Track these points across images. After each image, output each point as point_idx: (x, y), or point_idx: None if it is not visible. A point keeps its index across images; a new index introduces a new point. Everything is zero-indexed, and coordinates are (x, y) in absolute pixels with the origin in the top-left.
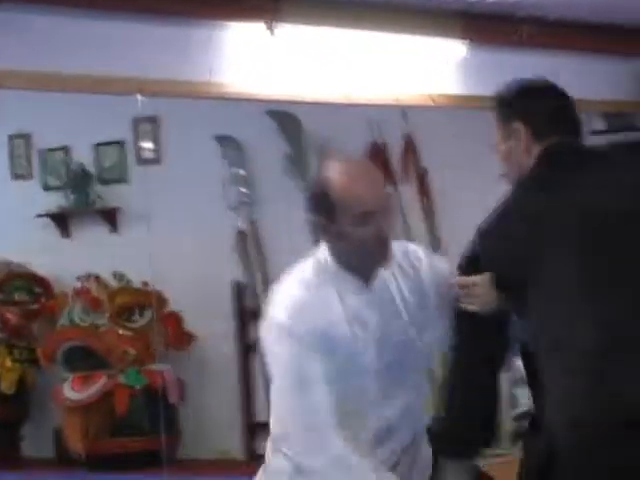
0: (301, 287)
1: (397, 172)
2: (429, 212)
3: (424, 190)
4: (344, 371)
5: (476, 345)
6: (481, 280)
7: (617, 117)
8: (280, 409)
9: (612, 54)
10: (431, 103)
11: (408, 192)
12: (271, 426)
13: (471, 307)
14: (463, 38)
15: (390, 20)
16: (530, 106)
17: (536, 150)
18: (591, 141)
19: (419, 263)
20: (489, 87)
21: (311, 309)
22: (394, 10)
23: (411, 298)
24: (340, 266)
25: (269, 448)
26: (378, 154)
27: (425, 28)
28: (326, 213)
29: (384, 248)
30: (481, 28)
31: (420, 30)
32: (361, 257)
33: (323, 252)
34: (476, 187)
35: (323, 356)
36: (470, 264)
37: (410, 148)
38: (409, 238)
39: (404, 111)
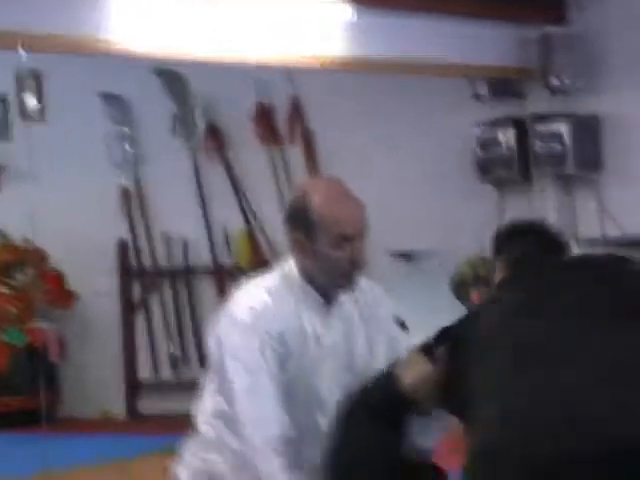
0: (264, 292)
1: (283, 135)
2: (315, 173)
3: (310, 151)
4: (294, 384)
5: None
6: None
7: (500, 82)
8: (234, 398)
9: (498, 20)
10: (318, 66)
11: (294, 153)
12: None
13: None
14: (350, 1)
15: None
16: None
17: None
18: (477, 107)
19: (377, 306)
20: (376, 50)
21: (271, 313)
22: None
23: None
24: (306, 281)
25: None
26: (264, 115)
27: None
28: (305, 230)
29: (354, 272)
30: None
31: None
32: (330, 277)
33: (290, 265)
34: (361, 148)
35: (278, 359)
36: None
37: (297, 110)
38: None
39: (290, 73)
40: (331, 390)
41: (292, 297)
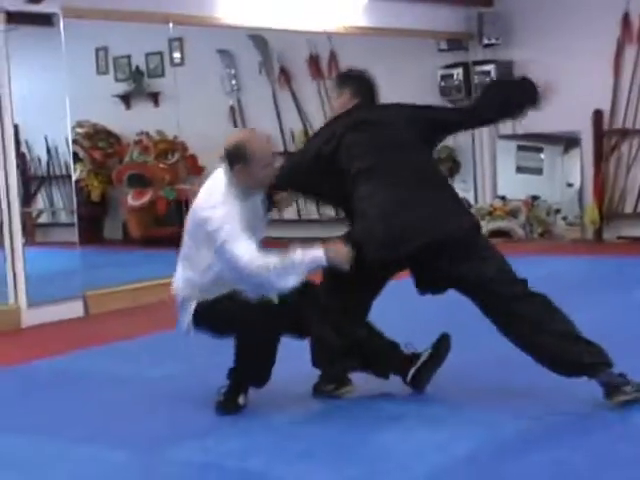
0: (221, 191)
1: (325, 73)
2: None
3: None
4: None
5: None
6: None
7: (454, 41)
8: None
9: (454, 4)
10: (344, 31)
11: (330, 84)
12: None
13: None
14: None
15: None
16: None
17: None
18: (440, 56)
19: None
20: (380, 22)
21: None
22: None
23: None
24: (239, 186)
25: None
26: (313, 61)
27: None
28: (243, 161)
29: (270, 180)
30: None
31: None
32: (255, 185)
33: (226, 176)
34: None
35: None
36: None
37: (333, 58)
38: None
39: (329, 35)
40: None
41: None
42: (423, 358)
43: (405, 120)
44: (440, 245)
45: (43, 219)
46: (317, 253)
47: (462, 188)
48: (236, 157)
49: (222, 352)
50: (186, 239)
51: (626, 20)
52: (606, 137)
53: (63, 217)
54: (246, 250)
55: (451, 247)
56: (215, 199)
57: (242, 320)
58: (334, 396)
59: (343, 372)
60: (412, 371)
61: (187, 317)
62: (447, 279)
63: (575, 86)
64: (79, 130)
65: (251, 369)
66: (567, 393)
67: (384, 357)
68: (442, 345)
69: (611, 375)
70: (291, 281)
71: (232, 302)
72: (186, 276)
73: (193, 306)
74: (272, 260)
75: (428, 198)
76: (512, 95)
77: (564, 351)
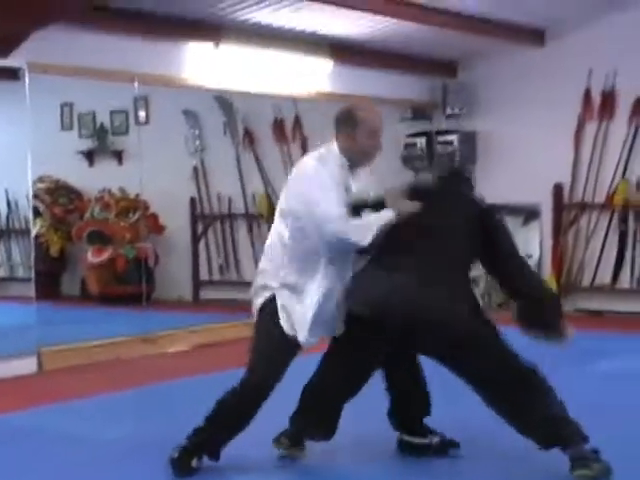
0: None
1: (289, 137)
2: None
3: (305, 149)
4: None
5: None
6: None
7: (418, 110)
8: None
9: (418, 74)
10: (310, 96)
11: (295, 150)
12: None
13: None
14: (331, 58)
15: (289, 45)
16: None
17: None
18: (403, 125)
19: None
20: (345, 88)
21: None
22: (291, 38)
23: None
24: (344, 156)
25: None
26: (278, 126)
27: (309, 50)
28: (351, 127)
29: (375, 154)
30: (342, 53)
31: (306, 52)
32: (359, 155)
33: (334, 146)
34: None
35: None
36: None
37: (298, 123)
38: None
39: (294, 100)
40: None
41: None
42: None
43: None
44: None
45: (0, 273)
46: (387, 213)
47: None
48: (344, 123)
49: (178, 413)
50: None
51: (587, 96)
52: (566, 210)
53: (21, 272)
54: (335, 205)
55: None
56: (312, 157)
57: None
58: (286, 455)
59: (303, 434)
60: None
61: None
62: None
63: (536, 159)
64: (40, 185)
65: (221, 432)
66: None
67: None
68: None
69: (583, 450)
70: (368, 237)
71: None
72: (262, 267)
73: (263, 298)
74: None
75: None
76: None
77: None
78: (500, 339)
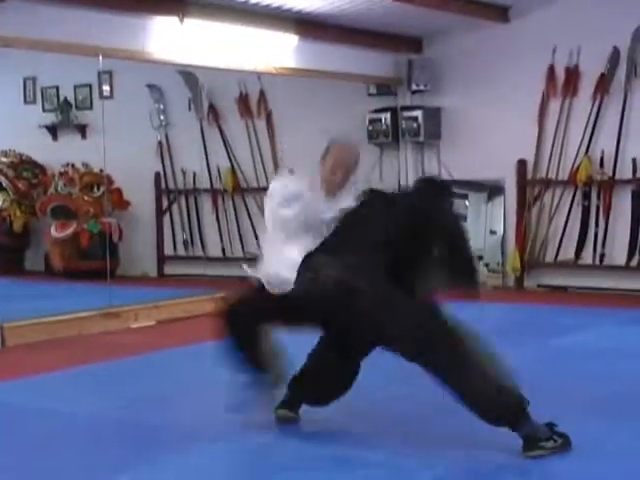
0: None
1: (254, 112)
2: (272, 137)
3: (269, 122)
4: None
5: None
6: None
7: (383, 86)
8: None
9: (383, 49)
10: (274, 71)
11: (260, 125)
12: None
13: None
14: (295, 33)
15: (254, 20)
16: None
17: None
18: (369, 100)
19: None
20: (310, 63)
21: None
22: (256, 13)
23: None
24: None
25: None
26: (243, 99)
27: (273, 25)
28: (323, 157)
29: (334, 188)
30: (307, 28)
31: (270, 27)
32: (325, 184)
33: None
34: (298, 121)
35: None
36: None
37: (262, 98)
38: (259, 150)
39: (259, 75)
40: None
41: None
42: None
43: None
44: None
45: None
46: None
47: None
48: (324, 151)
49: (141, 387)
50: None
51: (551, 73)
52: (529, 186)
53: None
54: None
55: None
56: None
57: None
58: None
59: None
60: None
61: None
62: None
63: (500, 135)
64: (3, 159)
65: None
66: (489, 440)
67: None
68: None
69: (532, 428)
70: None
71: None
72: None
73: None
74: None
75: None
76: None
77: (487, 401)
78: (423, 307)
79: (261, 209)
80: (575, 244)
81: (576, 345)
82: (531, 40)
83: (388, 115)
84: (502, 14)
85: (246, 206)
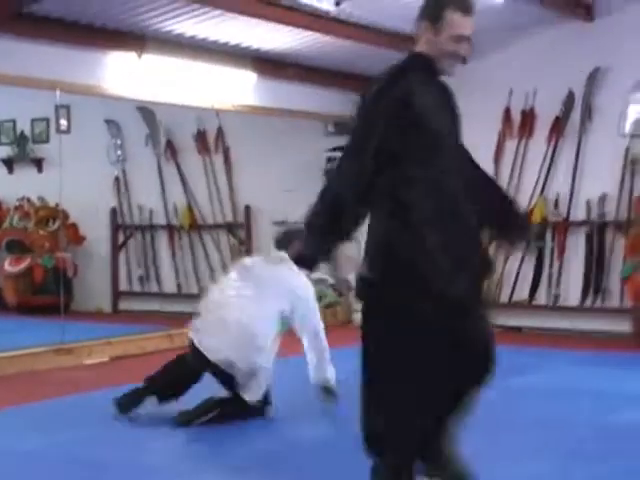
0: None
1: (212, 149)
2: (230, 174)
3: (227, 160)
4: None
5: None
6: None
7: (341, 125)
8: None
9: (340, 88)
10: (232, 109)
11: (218, 161)
12: None
13: None
14: (254, 70)
15: (212, 57)
16: None
17: None
18: (327, 139)
19: None
20: (268, 101)
21: None
22: (214, 50)
23: None
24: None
25: None
26: (201, 137)
27: (232, 63)
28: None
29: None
30: (265, 66)
31: (229, 64)
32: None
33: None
34: (257, 158)
35: None
36: None
37: (220, 134)
38: (217, 188)
39: (217, 112)
40: None
41: None
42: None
43: None
44: None
45: None
46: None
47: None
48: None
49: (93, 424)
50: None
51: (507, 115)
52: None
53: None
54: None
55: None
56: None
57: None
58: None
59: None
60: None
61: None
62: None
63: None
64: None
65: None
66: None
67: None
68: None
69: None
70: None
71: None
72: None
73: None
74: None
75: None
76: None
77: None
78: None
79: (217, 245)
80: (529, 285)
81: (533, 385)
82: (488, 82)
83: None
84: None
85: (202, 243)
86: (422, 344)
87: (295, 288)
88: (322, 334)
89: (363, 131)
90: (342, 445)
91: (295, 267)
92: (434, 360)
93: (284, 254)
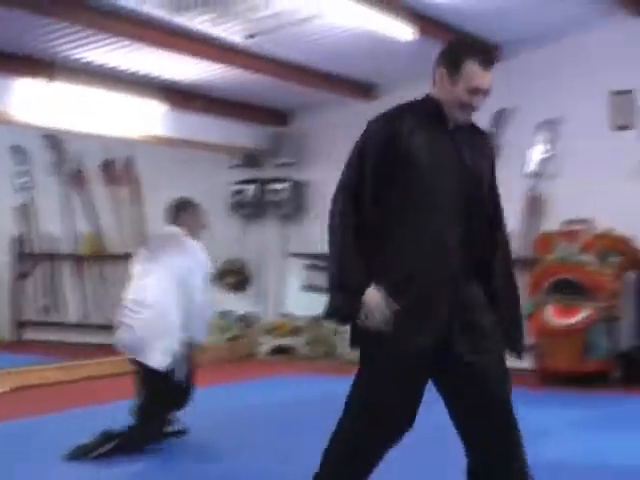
0: None
1: (119, 178)
2: (137, 203)
3: (134, 190)
4: None
5: None
6: None
7: (249, 158)
8: None
9: (250, 121)
10: (141, 139)
11: (125, 191)
12: None
13: None
14: (164, 101)
15: (122, 86)
16: None
17: None
18: (234, 171)
19: None
20: (177, 132)
21: None
22: (125, 80)
23: None
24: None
25: None
26: (109, 165)
27: (142, 93)
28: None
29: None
30: (175, 97)
31: (139, 94)
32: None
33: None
34: (166, 189)
35: None
36: None
37: (128, 163)
38: (121, 218)
39: (126, 141)
40: None
41: None
42: None
43: None
44: None
45: None
46: None
47: (249, 303)
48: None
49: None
50: None
51: None
52: None
53: None
54: None
55: None
56: None
57: None
58: None
59: None
60: None
61: None
62: None
63: None
64: None
65: None
66: None
67: None
68: None
69: None
70: None
71: None
72: None
73: None
74: None
75: None
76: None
77: None
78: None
79: (123, 275)
80: None
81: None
82: None
83: (253, 187)
84: (367, 91)
85: (109, 273)
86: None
87: (183, 259)
88: (201, 296)
89: (349, 167)
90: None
91: (184, 238)
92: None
93: (174, 228)
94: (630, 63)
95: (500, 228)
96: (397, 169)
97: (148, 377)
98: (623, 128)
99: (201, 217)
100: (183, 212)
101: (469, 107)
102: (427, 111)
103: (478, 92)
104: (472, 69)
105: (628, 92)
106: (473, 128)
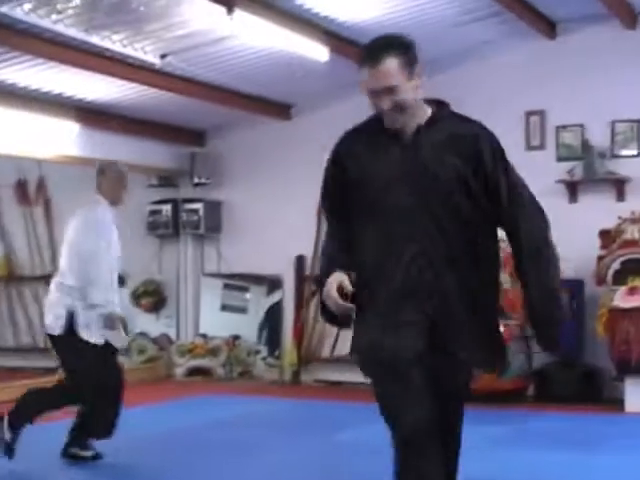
0: None
1: (32, 199)
2: (50, 224)
3: (48, 211)
4: None
5: None
6: None
7: (165, 178)
8: None
9: (167, 141)
10: (54, 159)
11: (38, 211)
12: None
13: None
14: (77, 121)
15: (34, 106)
16: None
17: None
18: (149, 192)
19: None
20: (90, 152)
21: None
22: (36, 99)
23: None
24: None
25: None
26: (21, 186)
27: (54, 112)
28: None
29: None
30: (88, 116)
31: (51, 114)
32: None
33: None
34: (82, 206)
35: None
36: None
37: (41, 184)
38: (37, 238)
39: (39, 162)
40: None
41: None
42: None
43: None
44: None
45: None
46: None
47: (166, 324)
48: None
49: None
50: None
51: None
52: (307, 282)
53: None
54: None
55: None
56: None
57: None
58: None
59: None
60: None
61: None
62: None
63: (280, 230)
64: None
65: None
66: None
67: None
68: None
69: None
70: None
71: None
72: None
73: None
74: None
75: None
76: None
77: None
78: None
79: (35, 297)
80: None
81: (356, 440)
82: (311, 138)
83: (169, 207)
84: (283, 111)
85: (21, 295)
86: None
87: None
88: (92, 264)
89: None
90: None
91: (100, 201)
92: None
93: (97, 196)
94: (541, 83)
95: (518, 210)
96: (342, 187)
97: None
98: (536, 148)
99: (122, 180)
100: (101, 177)
101: (383, 111)
102: (375, 125)
103: (377, 94)
104: (363, 75)
105: (541, 112)
106: (456, 126)
